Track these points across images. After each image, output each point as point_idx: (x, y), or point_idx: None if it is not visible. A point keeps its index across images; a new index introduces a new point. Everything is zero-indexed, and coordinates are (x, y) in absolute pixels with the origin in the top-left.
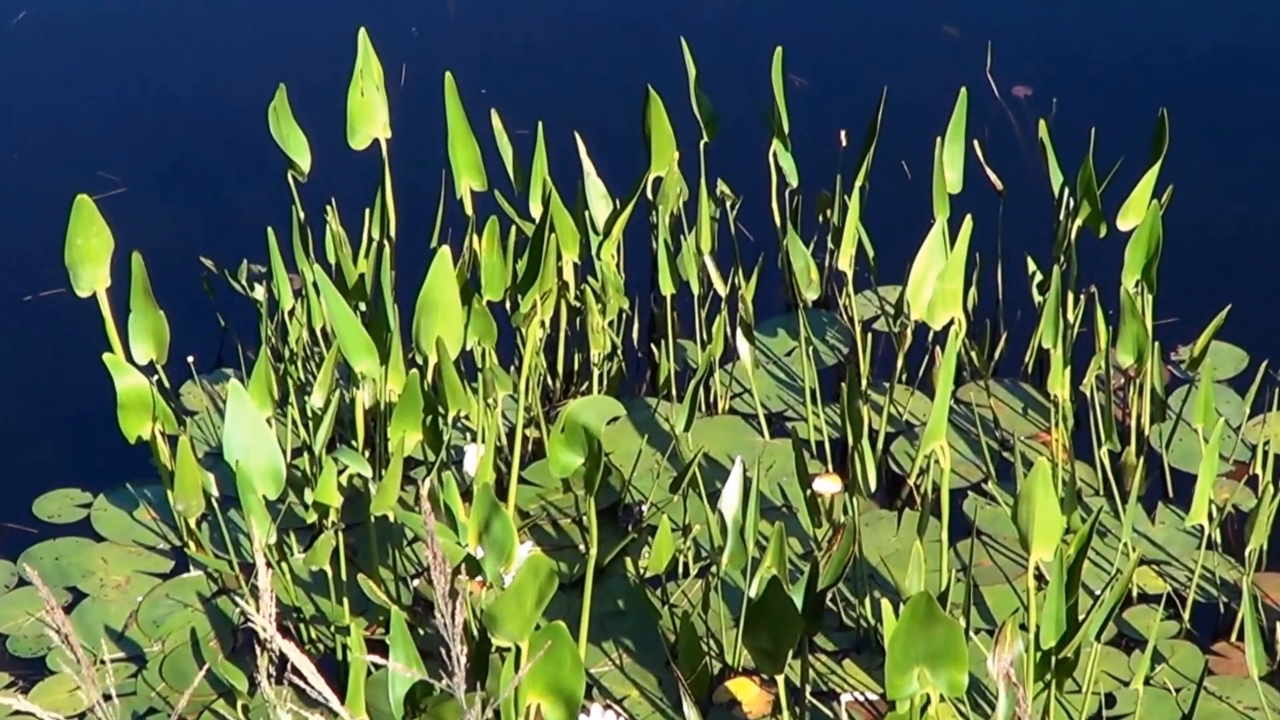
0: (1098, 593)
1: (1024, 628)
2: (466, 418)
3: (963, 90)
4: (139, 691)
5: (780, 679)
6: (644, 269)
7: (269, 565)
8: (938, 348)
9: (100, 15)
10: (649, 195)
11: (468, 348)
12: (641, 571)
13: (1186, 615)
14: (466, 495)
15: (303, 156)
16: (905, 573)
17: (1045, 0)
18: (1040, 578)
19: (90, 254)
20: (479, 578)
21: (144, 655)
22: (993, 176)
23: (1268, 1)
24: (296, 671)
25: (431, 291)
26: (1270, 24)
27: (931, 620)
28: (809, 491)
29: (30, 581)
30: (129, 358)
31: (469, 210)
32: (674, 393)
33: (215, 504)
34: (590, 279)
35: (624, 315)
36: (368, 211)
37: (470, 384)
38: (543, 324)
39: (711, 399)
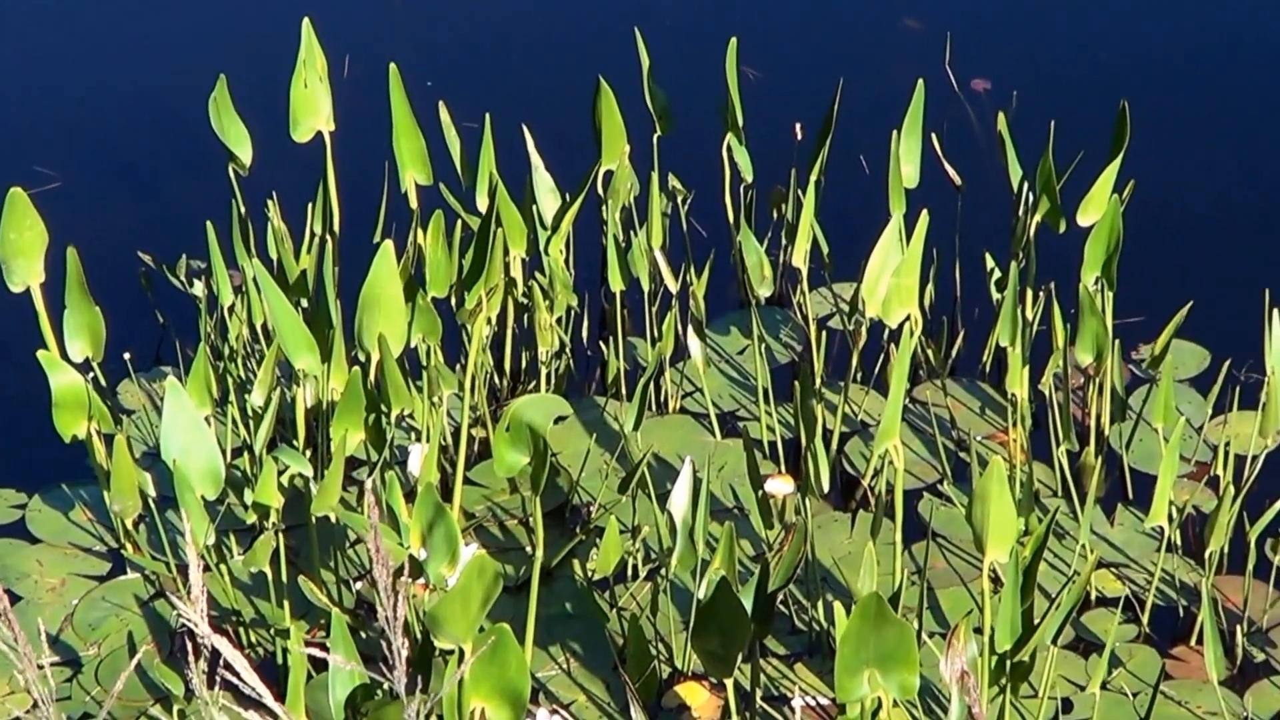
0: (1054, 595)
1: (979, 631)
2: (410, 416)
3: (919, 83)
4: (74, 696)
5: (730, 683)
6: (593, 265)
7: (201, 560)
8: (893, 345)
9: (35, 6)
10: (599, 189)
11: (412, 345)
12: (589, 574)
13: (1145, 618)
14: (410, 496)
15: (244, 149)
16: (858, 575)
17: None
18: (996, 580)
19: (24, 248)
20: (422, 580)
21: (80, 659)
22: (950, 171)
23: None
24: (232, 671)
25: (374, 287)
26: (1232, 15)
27: (882, 621)
28: (761, 492)
29: None
30: (64, 355)
31: (414, 204)
32: (623, 391)
33: (153, 505)
34: (538, 275)
35: (572, 312)
36: (310, 206)
37: (414, 382)
38: (489, 321)
39: (662, 398)
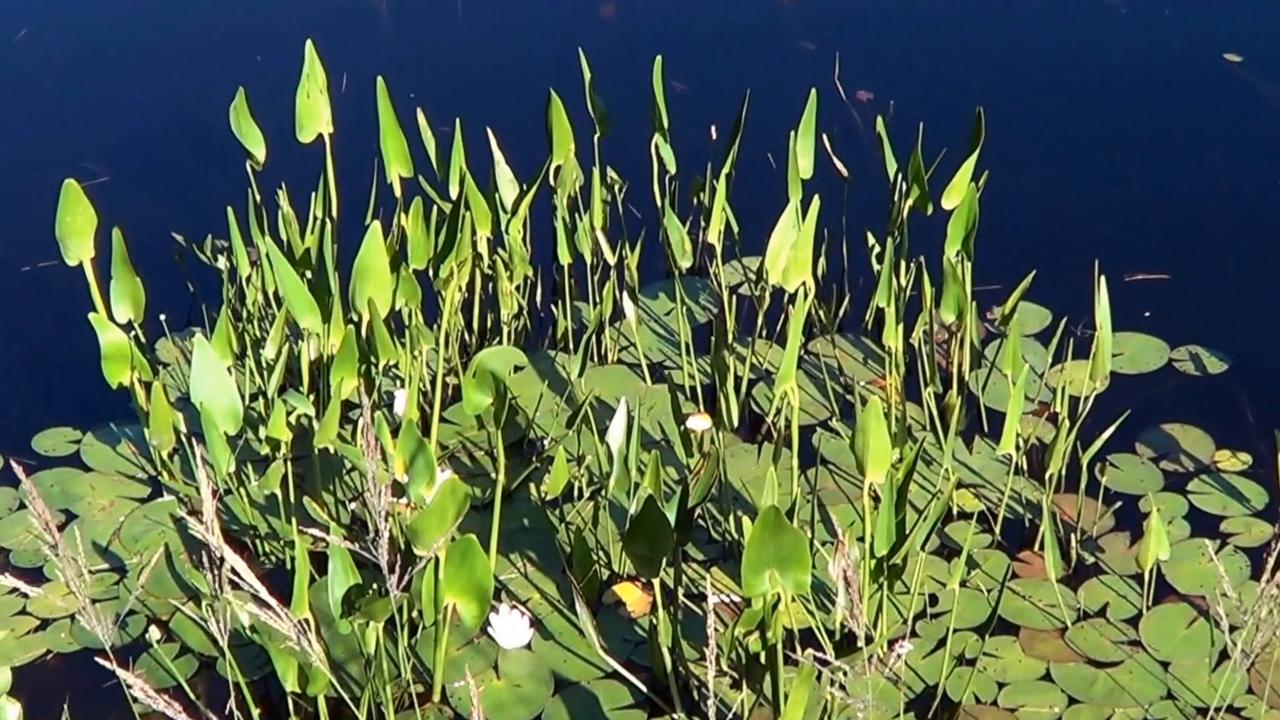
0: (922, 510)
1: (861, 539)
2: (395, 366)
3: (813, 93)
4: (120, 596)
5: (657, 583)
6: (546, 242)
7: (223, 485)
8: (791, 307)
9: (89, 33)
10: (550, 181)
11: (396, 308)
12: (542, 494)
13: (997, 529)
14: (395, 432)
15: (258, 148)
16: (762, 494)
17: (884, 20)
18: (875, 497)
19: (77, 229)
20: (405, 499)
21: (125, 566)
22: (838, 165)
23: (1072, 22)
24: (236, 573)
25: (365, 260)
26: (1074, 37)
27: (780, 530)
28: (682, 428)
29: (28, 505)
30: (111, 317)
31: (398, 193)
32: (570, 345)
33: (184, 440)
34: (500, 250)
35: (529, 281)
36: (313, 194)
37: (399, 339)
38: (460, 288)
39: (602, 351)
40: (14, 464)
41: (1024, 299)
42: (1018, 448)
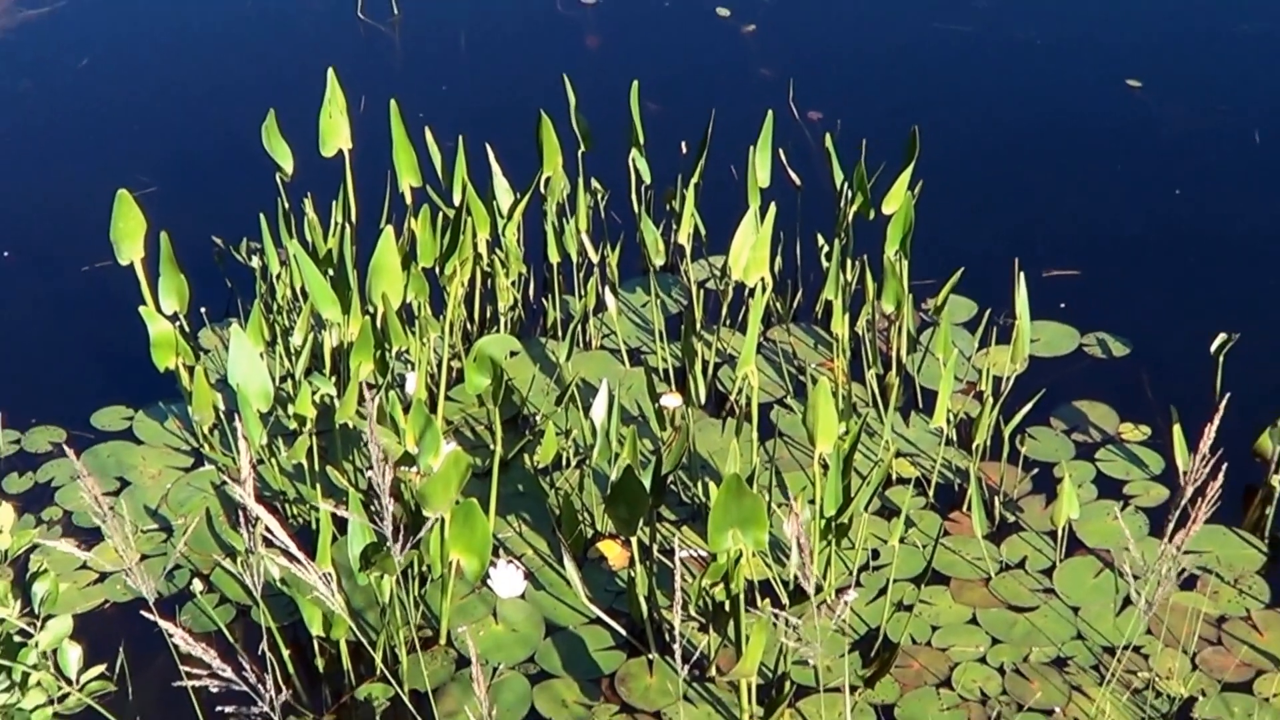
0: (866, 476)
1: (812, 501)
2: (406, 352)
3: (769, 113)
4: (168, 553)
5: (634, 540)
6: (537, 243)
7: (256, 455)
8: (751, 299)
9: (141, 62)
10: (541, 190)
11: (407, 301)
12: (535, 463)
13: (930, 492)
14: (406, 409)
15: (287, 162)
16: (726, 463)
17: (833, 52)
18: (824, 465)
19: (129, 233)
20: (415, 468)
21: (172, 526)
22: (792, 175)
23: (996, 52)
24: (270, 531)
25: (379, 260)
26: (1001, 66)
27: (741, 494)
28: (656, 405)
29: (91, 474)
30: (159, 310)
31: (408, 201)
32: (559, 333)
33: (223, 416)
34: (498, 250)
35: (522, 277)
36: (334, 202)
37: (409, 328)
38: (462, 284)
39: (587, 338)
40: (65, 448)
41: (954, 292)
42: (948, 421)
